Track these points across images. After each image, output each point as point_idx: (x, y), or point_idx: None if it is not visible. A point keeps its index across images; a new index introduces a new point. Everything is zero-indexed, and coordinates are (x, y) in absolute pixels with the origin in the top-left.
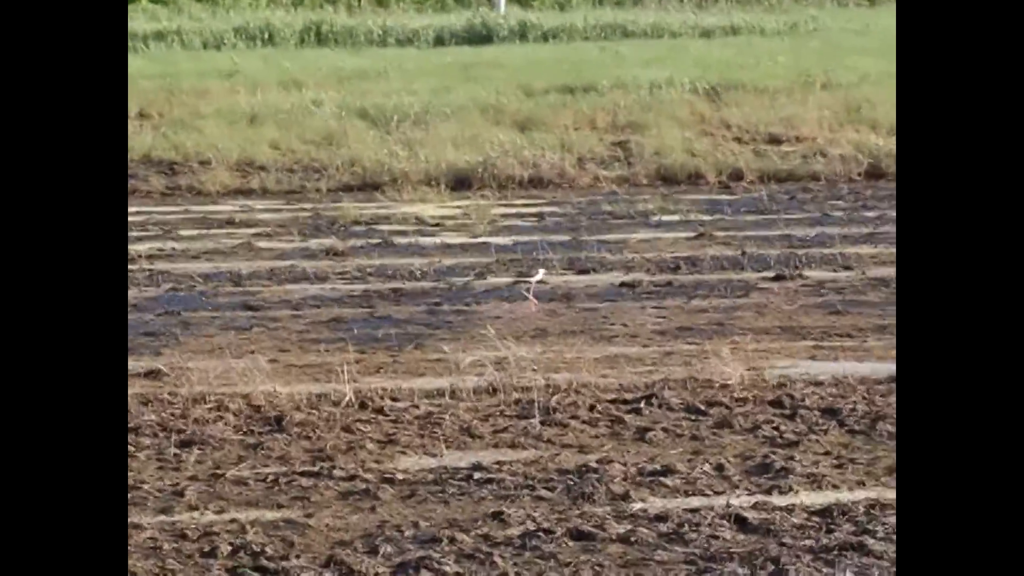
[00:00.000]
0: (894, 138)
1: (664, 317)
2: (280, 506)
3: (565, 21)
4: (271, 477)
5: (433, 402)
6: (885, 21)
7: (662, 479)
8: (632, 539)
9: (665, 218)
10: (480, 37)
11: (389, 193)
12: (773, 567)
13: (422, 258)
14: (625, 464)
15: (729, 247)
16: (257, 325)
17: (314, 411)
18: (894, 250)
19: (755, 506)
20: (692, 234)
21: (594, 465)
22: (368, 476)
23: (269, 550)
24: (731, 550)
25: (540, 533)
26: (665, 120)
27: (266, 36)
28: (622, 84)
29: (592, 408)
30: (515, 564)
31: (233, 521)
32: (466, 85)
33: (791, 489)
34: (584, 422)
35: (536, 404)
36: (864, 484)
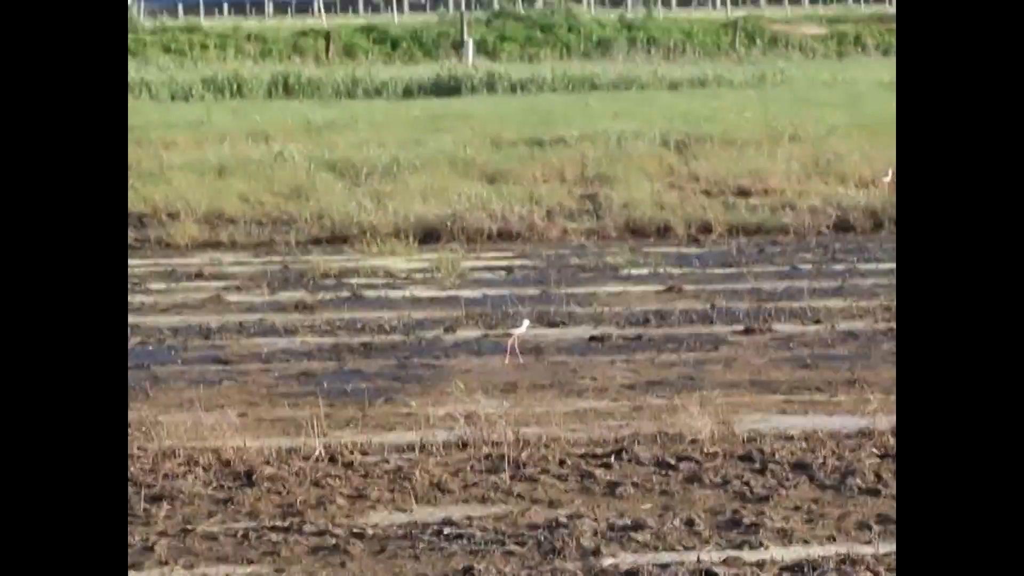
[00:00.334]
0: (862, 191)
1: (633, 371)
2: (250, 561)
3: (533, 73)
4: (241, 532)
5: (403, 456)
6: (852, 72)
7: (632, 534)
8: None
9: (634, 271)
10: (449, 88)
11: (358, 246)
12: None
13: (391, 311)
14: (595, 519)
15: (698, 300)
16: (227, 379)
17: (284, 465)
18: (863, 303)
19: (725, 561)
20: (661, 287)
21: (564, 520)
22: (338, 531)
23: None
24: None
25: None
26: (634, 172)
27: (234, 87)
28: (591, 136)
29: (562, 463)
30: None
31: None
32: (435, 136)
33: (761, 544)
34: (554, 476)
35: (506, 458)
36: (835, 539)
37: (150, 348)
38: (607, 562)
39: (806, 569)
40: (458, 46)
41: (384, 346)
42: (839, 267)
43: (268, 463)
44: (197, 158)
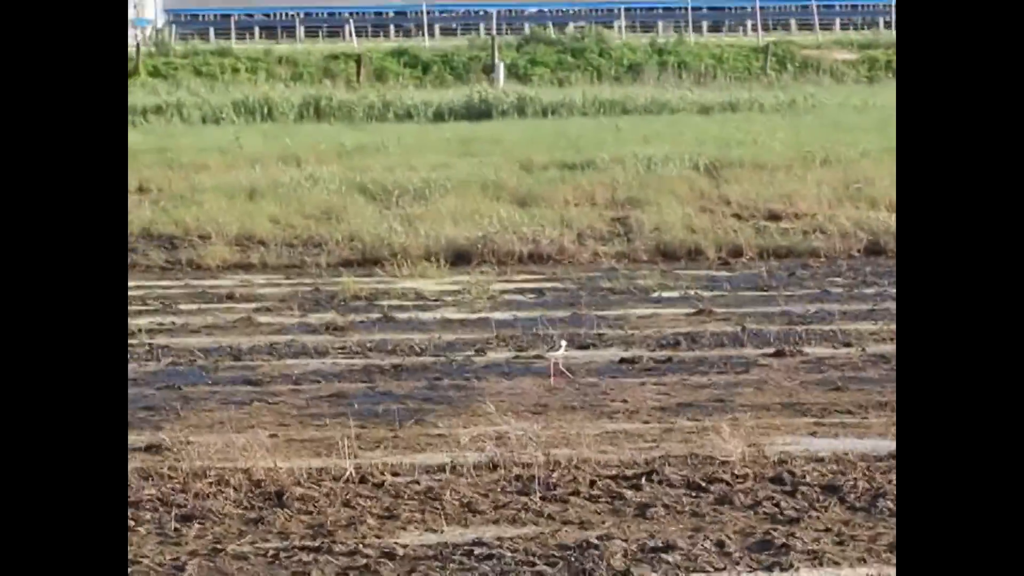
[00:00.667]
0: (893, 215)
1: (664, 393)
2: None
3: (564, 97)
4: (271, 552)
5: (434, 477)
6: (883, 98)
7: (663, 555)
8: None
9: (665, 294)
10: (479, 112)
11: (389, 268)
12: None
13: (422, 333)
14: (626, 540)
15: (729, 323)
16: (257, 400)
17: (315, 486)
18: (894, 327)
19: None
20: (692, 310)
21: (595, 541)
22: (368, 551)
23: None
24: None
25: None
26: (664, 196)
27: (265, 111)
28: (621, 160)
29: (593, 484)
30: None
31: None
32: (465, 160)
33: (792, 566)
34: (585, 498)
35: (537, 480)
36: (865, 561)
37: (181, 369)
38: None
39: None
40: (489, 70)
41: (415, 367)
42: (870, 291)
43: (299, 483)
44: (228, 181)
